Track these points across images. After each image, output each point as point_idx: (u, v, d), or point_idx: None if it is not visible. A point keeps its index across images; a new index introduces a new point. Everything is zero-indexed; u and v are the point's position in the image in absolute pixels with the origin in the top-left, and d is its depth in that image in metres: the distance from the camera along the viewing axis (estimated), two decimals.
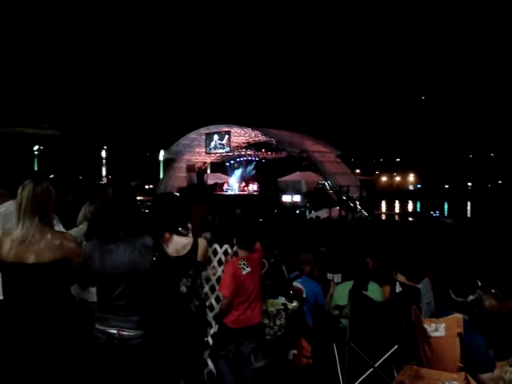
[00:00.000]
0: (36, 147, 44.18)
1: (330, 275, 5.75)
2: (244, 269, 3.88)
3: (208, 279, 4.33)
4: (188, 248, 3.40)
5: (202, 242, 3.52)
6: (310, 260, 5.32)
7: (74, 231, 3.90)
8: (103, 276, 2.66)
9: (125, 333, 2.62)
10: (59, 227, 3.34)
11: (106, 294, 2.66)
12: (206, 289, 4.35)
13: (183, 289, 3.44)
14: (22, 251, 2.59)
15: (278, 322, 4.13)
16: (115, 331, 2.62)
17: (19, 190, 2.69)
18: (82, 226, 3.98)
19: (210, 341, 4.18)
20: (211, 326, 4.25)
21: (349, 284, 4.74)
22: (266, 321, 4.09)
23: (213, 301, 4.37)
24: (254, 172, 37.38)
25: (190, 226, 3.72)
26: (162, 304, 2.99)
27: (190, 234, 3.63)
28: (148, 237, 2.75)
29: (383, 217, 35.12)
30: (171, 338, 3.14)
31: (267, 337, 4.09)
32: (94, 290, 2.83)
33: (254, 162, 37.94)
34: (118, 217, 2.66)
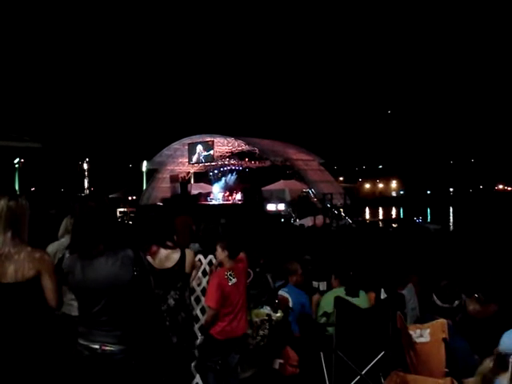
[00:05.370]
0: (17, 160, 43.51)
1: (315, 283, 5.75)
2: (230, 279, 3.85)
3: (193, 290, 4.29)
4: (175, 260, 3.37)
5: (189, 254, 3.49)
6: (297, 269, 5.29)
7: (55, 244, 3.85)
8: (84, 290, 2.61)
9: (107, 348, 2.56)
10: None
11: (88, 308, 2.60)
12: (191, 300, 4.31)
13: (171, 301, 3.40)
14: None
15: (260, 333, 4.11)
16: (97, 346, 2.56)
17: None
18: (63, 239, 3.93)
19: (196, 353, 4.14)
20: (197, 338, 4.21)
21: (336, 291, 4.75)
22: (249, 331, 4.07)
23: (198, 312, 4.33)
24: (237, 181, 37.31)
25: (175, 237, 3.69)
26: (145, 318, 2.95)
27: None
28: (129, 250, 2.69)
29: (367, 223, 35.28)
30: (156, 352, 3.10)
31: (250, 346, 4.07)
32: (75, 303, 2.77)
33: (238, 172, 37.90)
34: (96, 230, 2.61)
